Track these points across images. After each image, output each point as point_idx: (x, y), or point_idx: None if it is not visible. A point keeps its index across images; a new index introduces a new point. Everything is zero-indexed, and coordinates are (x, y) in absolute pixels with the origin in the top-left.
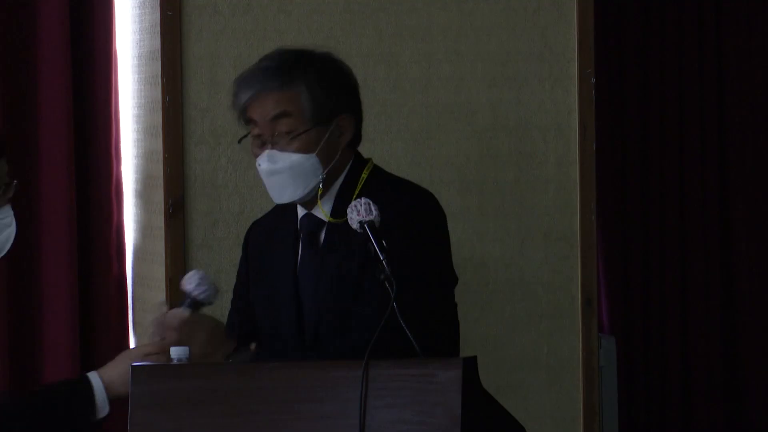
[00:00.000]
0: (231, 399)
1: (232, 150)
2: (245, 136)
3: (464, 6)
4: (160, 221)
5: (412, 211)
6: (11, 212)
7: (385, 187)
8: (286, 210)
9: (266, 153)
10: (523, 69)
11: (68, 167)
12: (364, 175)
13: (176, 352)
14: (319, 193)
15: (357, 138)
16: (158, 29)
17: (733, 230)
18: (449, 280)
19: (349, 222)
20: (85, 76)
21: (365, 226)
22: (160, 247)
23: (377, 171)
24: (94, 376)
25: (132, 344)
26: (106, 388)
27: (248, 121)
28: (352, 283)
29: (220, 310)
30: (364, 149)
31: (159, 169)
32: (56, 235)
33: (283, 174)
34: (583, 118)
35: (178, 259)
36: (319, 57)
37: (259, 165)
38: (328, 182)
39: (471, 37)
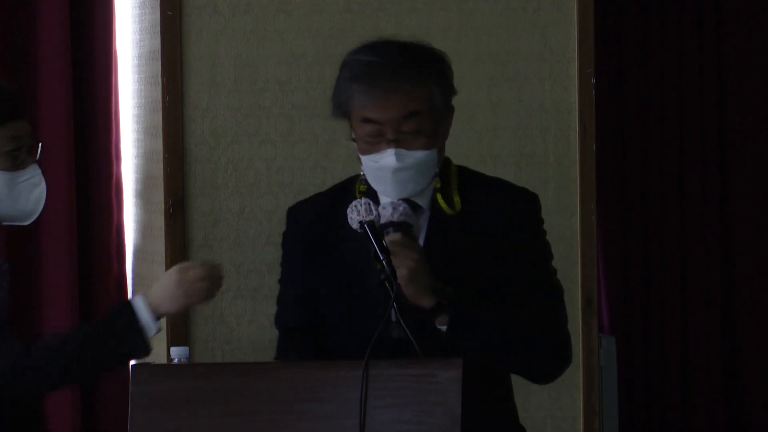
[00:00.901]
0: (231, 399)
1: (232, 150)
2: (366, 139)
3: (464, 6)
4: (160, 221)
5: (533, 210)
6: (39, 171)
7: (486, 183)
8: (347, 194)
9: (392, 151)
10: (523, 69)
11: (68, 167)
12: (453, 169)
13: (176, 352)
14: (437, 186)
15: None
16: (158, 29)
17: (733, 230)
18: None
19: (349, 222)
20: (85, 76)
21: (365, 226)
22: (160, 247)
23: (463, 168)
24: (137, 298)
25: None
26: (153, 307)
27: (364, 120)
28: (476, 275)
29: (219, 309)
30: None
31: (159, 169)
32: (56, 235)
33: (410, 171)
34: (583, 118)
35: (178, 259)
36: (433, 50)
37: (376, 162)
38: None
39: (471, 37)
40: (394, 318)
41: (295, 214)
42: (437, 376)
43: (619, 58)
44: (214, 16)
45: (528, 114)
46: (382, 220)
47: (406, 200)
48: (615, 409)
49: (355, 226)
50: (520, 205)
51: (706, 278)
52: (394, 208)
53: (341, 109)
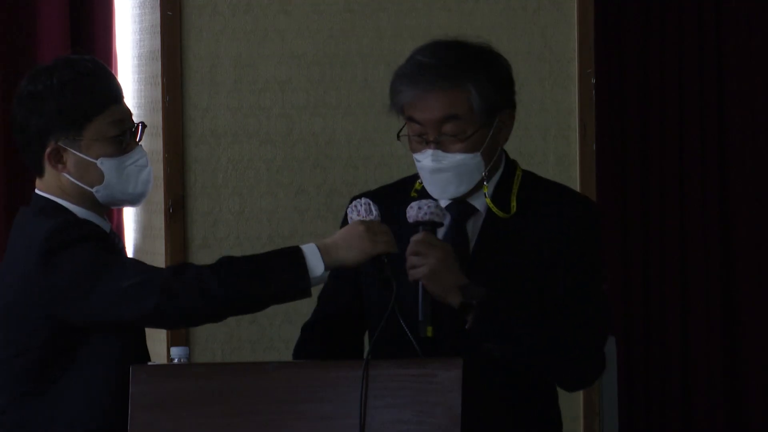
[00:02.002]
0: (231, 399)
1: (232, 150)
2: (406, 134)
3: (464, 6)
4: (160, 221)
5: (589, 220)
6: (144, 152)
7: (549, 190)
8: (406, 190)
9: (430, 152)
10: (523, 69)
11: None
12: (518, 173)
13: (176, 352)
14: (486, 190)
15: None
16: (158, 29)
17: (733, 230)
18: (611, 309)
19: (349, 221)
20: None
21: None
22: (160, 247)
23: (529, 173)
24: (309, 244)
25: None
26: (324, 251)
27: (410, 119)
28: (524, 281)
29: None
30: (366, 149)
31: (159, 169)
32: None
33: (448, 173)
34: (583, 118)
35: (178, 259)
36: (482, 52)
37: (419, 161)
38: (487, 179)
39: (471, 37)
40: (421, 317)
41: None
42: (437, 376)
43: (619, 58)
44: (214, 16)
45: (528, 114)
46: (410, 220)
47: (460, 201)
48: (615, 409)
49: None
50: (576, 214)
51: (706, 278)
52: (419, 207)
53: (394, 106)
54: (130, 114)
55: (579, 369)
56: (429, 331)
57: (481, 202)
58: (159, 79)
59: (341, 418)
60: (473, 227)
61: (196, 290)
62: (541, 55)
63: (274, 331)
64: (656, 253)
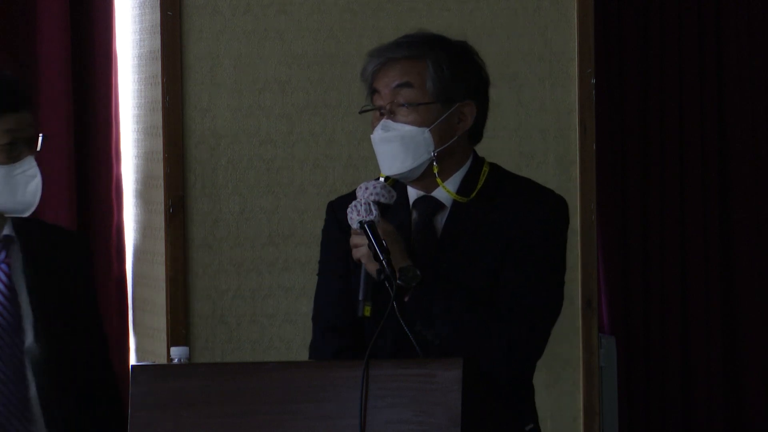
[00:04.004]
0: (231, 399)
1: (232, 150)
2: (368, 109)
3: (464, 6)
4: (160, 221)
5: (546, 217)
6: (34, 163)
7: (514, 184)
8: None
9: (381, 122)
10: (523, 69)
11: (68, 167)
12: (485, 169)
13: (176, 352)
14: (436, 170)
15: (477, 134)
16: (158, 29)
17: (733, 230)
18: (558, 302)
19: (349, 222)
20: (85, 76)
21: (365, 226)
22: (160, 247)
23: (497, 167)
24: None
25: (132, 344)
26: None
27: (374, 92)
28: (483, 270)
29: (220, 309)
30: (366, 149)
31: (159, 169)
32: None
33: (393, 143)
34: (583, 118)
35: (178, 259)
36: (452, 41)
37: (372, 137)
38: (447, 170)
39: (471, 37)
40: (360, 297)
41: (334, 207)
42: (437, 376)
43: (619, 58)
44: (214, 16)
45: (528, 114)
46: (358, 198)
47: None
48: (615, 409)
49: (355, 226)
50: (539, 207)
51: (706, 278)
52: (366, 188)
53: (365, 82)
54: (30, 124)
55: (502, 359)
56: (367, 311)
57: (446, 197)
58: (159, 79)
59: (341, 418)
60: (441, 222)
61: None
62: (541, 55)
63: (274, 331)
64: (656, 253)
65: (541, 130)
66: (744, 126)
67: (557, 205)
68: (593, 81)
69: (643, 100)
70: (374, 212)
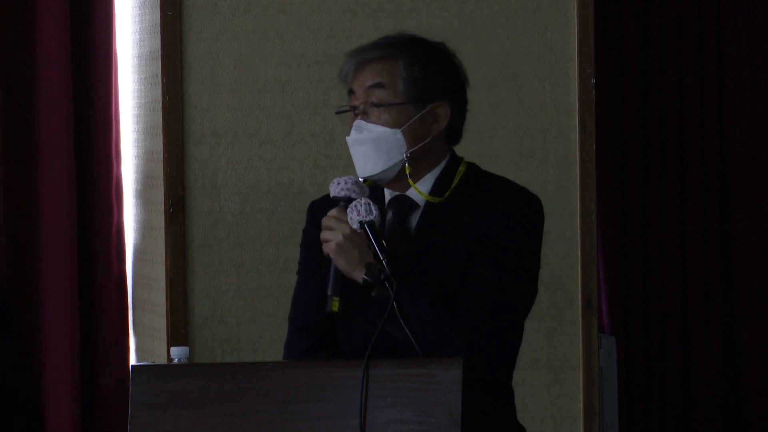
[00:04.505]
0: (231, 399)
1: (232, 150)
2: (343, 110)
3: (464, 6)
4: (160, 221)
5: (518, 215)
6: None
7: (488, 183)
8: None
9: (355, 123)
10: (523, 69)
11: (68, 167)
12: (461, 168)
13: (176, 352)
14: (408, 171)
15: (455, 135)
16: (158, 29)
17: (733, 230)
18: (527, 298)
19: (349, 221)
20: (85, 76)
21: (365, 226)
22: (160, 247)
23: (474, 167)
24: None
25: (132, 345)
26: None
27: (350, 93)
28: (455, 267)
29: (220, 309)
30: None
31: (159, 169)
32: (56, 235)
33: (366, 145)
34: (583, 118)
35: (178, 259)
36: (427, 42)
37: (347, 138)
38: (421, 171)
39: (471, 37)
40: (329, 292)
41: (313, 207)
42: (437, 376)
43: (619, 58)
44: (214, 16)
45: (528, 114)
46: (331, 195)
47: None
48: (615, 409)
49: (355, 225)
50: (511, 205)
51: (706, 278)
52: (338, 183)
53: (343, 83)
54: None
55: (468, 354)
56: (335, 305)
57: (419, 196)
58: (159, 79)
59: (341, 418)
60: (414, 221)
61: None
62: (541, 55)
63: (274, 331)
64: (656, 253)
65: (541, 130)
66: (744, 126)
67: (530, 202)
68: (593, 81)
69: (643, 100)
70: (374, 212)
